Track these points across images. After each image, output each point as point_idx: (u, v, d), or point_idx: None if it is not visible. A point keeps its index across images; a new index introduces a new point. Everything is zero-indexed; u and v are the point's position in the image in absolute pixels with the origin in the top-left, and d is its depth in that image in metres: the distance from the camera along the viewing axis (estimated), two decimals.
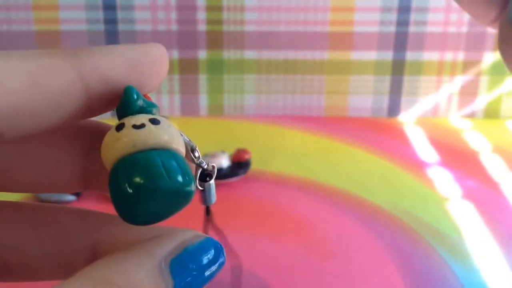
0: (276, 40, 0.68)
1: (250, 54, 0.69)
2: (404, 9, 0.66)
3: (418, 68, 0.68)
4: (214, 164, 0.18)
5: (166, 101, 0.70)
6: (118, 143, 0.15)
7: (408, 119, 0.70)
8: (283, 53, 0.69)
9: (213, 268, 0.16)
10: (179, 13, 0.67)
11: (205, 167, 0.18)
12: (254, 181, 0.54)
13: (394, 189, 0.54)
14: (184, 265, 0.15)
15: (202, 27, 0.68)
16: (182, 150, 0.16)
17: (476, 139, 0.64)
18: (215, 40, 0.68)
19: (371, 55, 0.68)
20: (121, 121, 0.16)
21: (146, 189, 0.15)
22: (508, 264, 0.43)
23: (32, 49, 0.64)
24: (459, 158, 0.60)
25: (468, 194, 0.53)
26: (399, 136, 0.65)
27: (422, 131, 0.66)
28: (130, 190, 0.15)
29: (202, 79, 0.70)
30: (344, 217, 0.49)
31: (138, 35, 0.68)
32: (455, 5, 0.64)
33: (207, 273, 0.16)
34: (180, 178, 0.15)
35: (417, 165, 0.58)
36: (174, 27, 0.68)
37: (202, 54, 0.69)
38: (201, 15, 0.67)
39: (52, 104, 0.16)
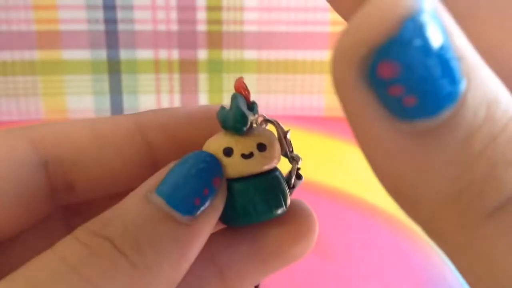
0: (276, 40, 0.68)
1: (250, 54, 0.69)
2: None
3: None
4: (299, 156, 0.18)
5: (166, 100, 0.70)
6: (228, 169, 0.17)
7: None
8: (283, 53, 0.69)
9: (203, 171, 0.15)
10: (179, 13, 0.67)
11: (299, 163, 0.19)
12: None
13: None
14: (170, 185, 0.15)
15: (202, 27, 0.68)
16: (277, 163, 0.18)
17: None
18: (215, 40, 0.68)
19: None
20: (227, 144, 0.17)
21: (249, 216, 0.17)
22: None
23: (32, 49, 0.64)
24: None
25: None
26: None
27: None
28: (240, 212, 0.17)
29: (202, 79, 0.70)
30: (344, 217, 0.49)
31: (138, 35, 0.68)
32: None
33: (197, 179, 0.15)
34: (279, 212, 0.18)
35: None
36: (174, 27, 0.68)
37: (202, 54, 0.69)
38: (201, 15, 0.67)
39: (113, 154, 0.17)
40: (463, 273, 0.13)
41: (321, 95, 0.70)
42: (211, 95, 0.70)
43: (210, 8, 0.67)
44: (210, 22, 0.67)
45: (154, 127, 0.17)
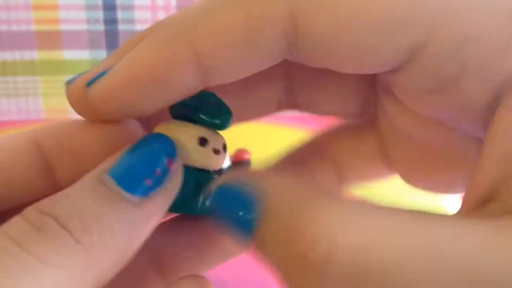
0: None
1: None
2: None
3: None
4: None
5: None
6: (195, 157, 0.16)
7: None
8: None
9: (156, 152, 0.15)
10: None
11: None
12: None
13: (394, 189, 0.54)
14: (122, 166, 0.15)
15: None
16: None
17: None
18: None
19: None
20: (203, 134, 0.16)
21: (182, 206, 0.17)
22: None
23: (32, 49, 0.64)
24: None
25: None
26: None
27: None
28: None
29: None
30: None
31: None
32: None
33: (149, 159, 0.15)
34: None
35: None
36: None
37: None
38: None
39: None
40: None
41: None
42: None
43: None
44: None
45: (49, 137, 0.17)
